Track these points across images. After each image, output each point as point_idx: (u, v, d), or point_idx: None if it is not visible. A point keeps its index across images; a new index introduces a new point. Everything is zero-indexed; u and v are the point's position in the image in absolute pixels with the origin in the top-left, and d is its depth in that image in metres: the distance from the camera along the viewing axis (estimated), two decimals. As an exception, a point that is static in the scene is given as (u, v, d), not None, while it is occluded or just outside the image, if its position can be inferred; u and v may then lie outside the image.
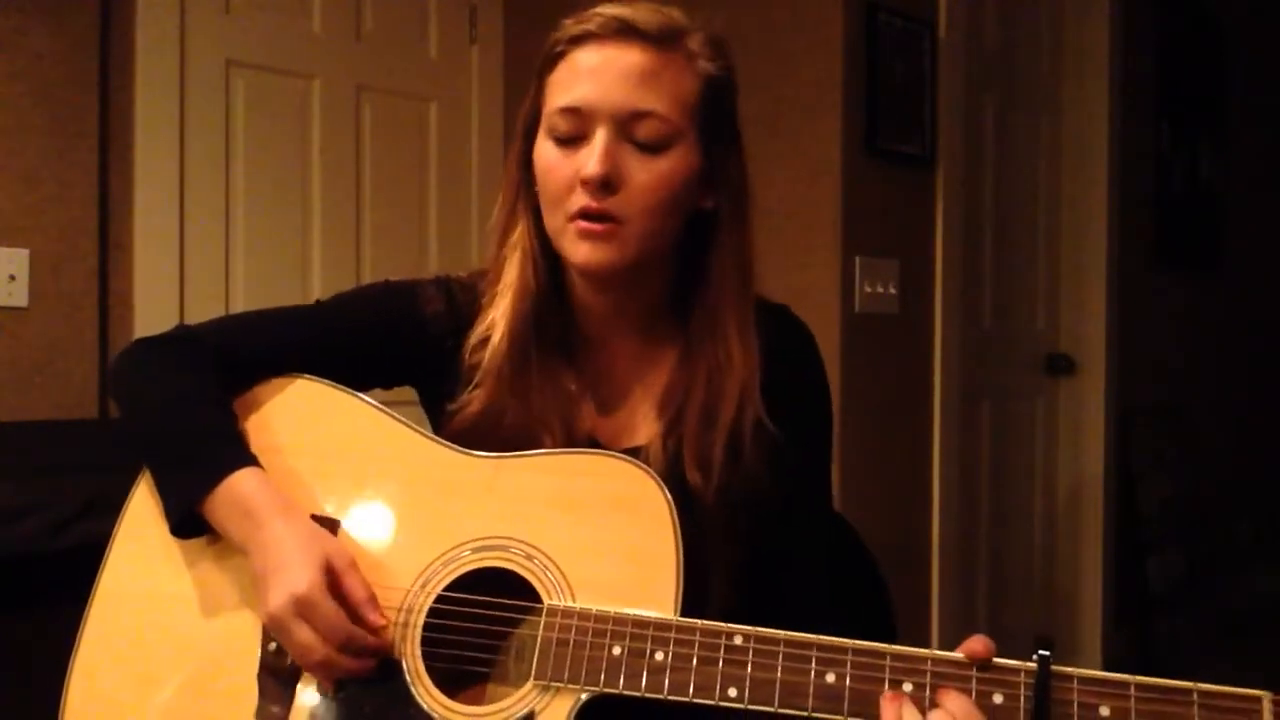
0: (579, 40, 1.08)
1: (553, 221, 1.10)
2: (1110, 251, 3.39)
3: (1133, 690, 0.88)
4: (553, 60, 1.11)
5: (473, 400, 1.14)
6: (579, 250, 1.08)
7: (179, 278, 2.51)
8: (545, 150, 1.10)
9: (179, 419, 1.12)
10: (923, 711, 0.90)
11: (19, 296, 2.27)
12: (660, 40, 1.08)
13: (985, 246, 3.15)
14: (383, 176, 2.89)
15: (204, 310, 2.50)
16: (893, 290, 2.64)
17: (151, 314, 2.44)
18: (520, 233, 1.15)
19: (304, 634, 1.00)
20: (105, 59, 2.39)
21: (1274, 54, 4.61)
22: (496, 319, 1.14)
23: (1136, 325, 3.58)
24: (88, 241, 2.36)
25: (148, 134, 2.46)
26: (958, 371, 2.85)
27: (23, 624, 1.75)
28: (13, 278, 2.25)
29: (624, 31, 1.07)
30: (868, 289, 2.57)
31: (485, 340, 1.14)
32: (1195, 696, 0.86)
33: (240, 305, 2.61)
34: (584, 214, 1.06)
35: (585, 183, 1.06)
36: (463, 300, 1.19)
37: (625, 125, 1.07)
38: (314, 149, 2.76)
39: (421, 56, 2.98)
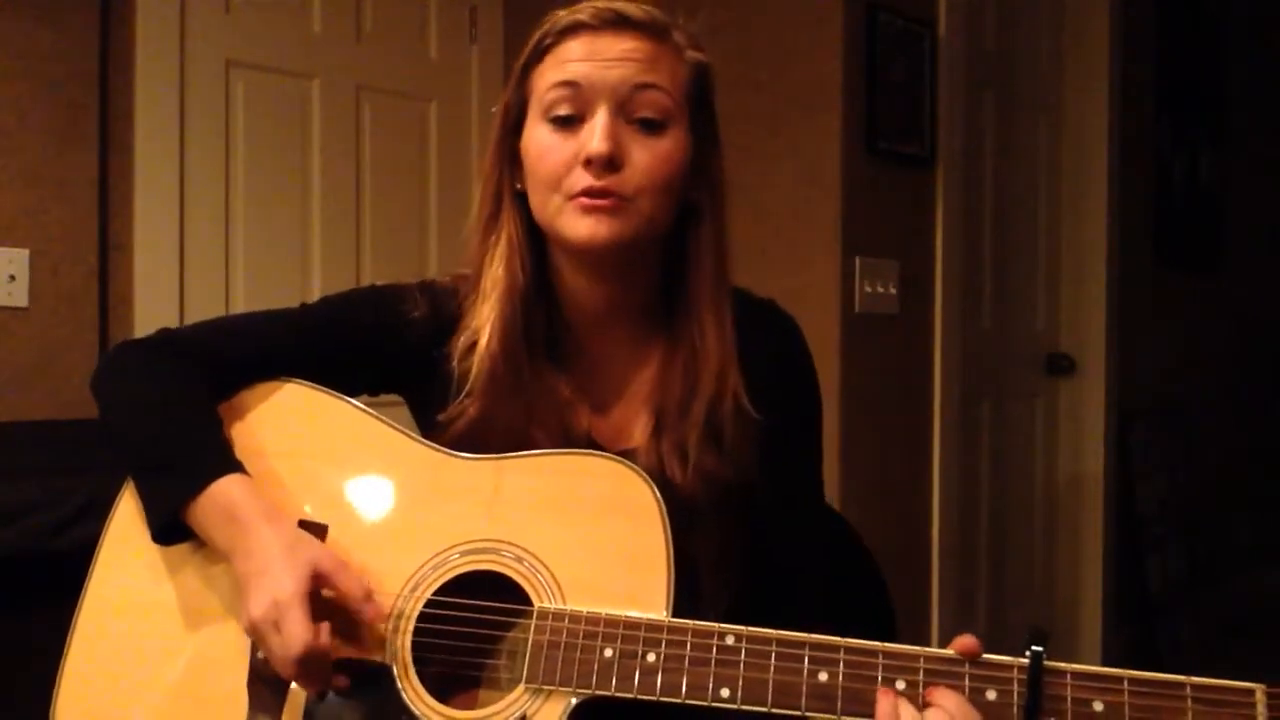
0: (570, 31, 1.09)
1: (548, 203, 1.09)
2: (1110, 251, 3.39)
3: (1126, 685, 0.88)
4: (541, 53, 1.11)
5: (467, 408, 1.11)
6: (581, 226, 1.07)
7: (179, 278, 2.51)
8: (539, 134, 1.10)
9: (162, 423, 1.11)
10: (919, 709, 0.90)
11: (19, 296, 2.27)
12: (652, 31, 1.10)
13: (985, 246, 3.15)
14: (383, 176, 2.89)
15: (204, 310, 2.51)
16: (893, 290, 2.63)
17: (151, 314, 2.44)
18: (505, 228, 1.14)
19: (280, 643, 0.99)
20: (105, 59, 2.39)
21: (1274, 54, 4.59)
22: (482, 322, 1.12)
23: (1136, 325, 3.57)
24: (88, 241, 2.36)
25: (148, 134, 2.46)
26: (958, 371, 2.84)
27: (23, 624, 1.75)
28: (13, 278, 2.26)
29: (617, 22, 1.08)
30: (868, 289, 2.56)
31: (473, 345, 1.12)
32: (1188, 690, 0.87)
33: (240, 305, 2.61)
34: (587, 193, 1.06)
35: (589, 161, 1.05)
36: (445, 306, 1.17)
37: (625, 103, 1.07)
38: (314, 149, 2.76)
39: (421, 56, 2.98)
